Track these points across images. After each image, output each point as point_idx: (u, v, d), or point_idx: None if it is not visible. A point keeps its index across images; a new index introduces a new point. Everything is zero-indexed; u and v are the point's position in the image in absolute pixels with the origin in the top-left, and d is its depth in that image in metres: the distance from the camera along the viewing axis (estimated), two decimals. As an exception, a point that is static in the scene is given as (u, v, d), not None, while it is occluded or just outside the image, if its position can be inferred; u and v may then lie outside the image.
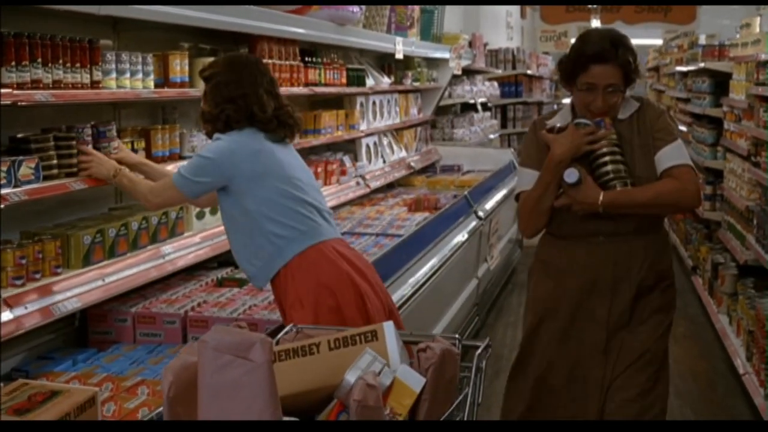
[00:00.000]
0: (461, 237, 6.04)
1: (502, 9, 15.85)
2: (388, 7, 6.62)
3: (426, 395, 2.17)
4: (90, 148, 3.40)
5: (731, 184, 6.88)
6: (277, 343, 2.46)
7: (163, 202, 3.42)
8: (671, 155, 3.21)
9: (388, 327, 2.30)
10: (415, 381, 2.17)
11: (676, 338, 6.69)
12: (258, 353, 1.94)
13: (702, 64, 8.40)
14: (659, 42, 17.40)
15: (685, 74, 9.87)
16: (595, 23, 17.73)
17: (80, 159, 3.34)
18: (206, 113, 3.40)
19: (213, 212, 4.18)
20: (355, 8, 5.44)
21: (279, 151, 3.37)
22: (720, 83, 7.85)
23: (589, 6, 17.34)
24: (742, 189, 6.48)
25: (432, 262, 5.27)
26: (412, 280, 4.83)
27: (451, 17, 10.59)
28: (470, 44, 9.93)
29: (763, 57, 5.97)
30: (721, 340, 6.33)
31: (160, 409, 2.62)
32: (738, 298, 6.13)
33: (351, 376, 2.10)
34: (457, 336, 2.41)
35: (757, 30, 6.96)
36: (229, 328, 2.14)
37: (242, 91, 3.31)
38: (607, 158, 3.21)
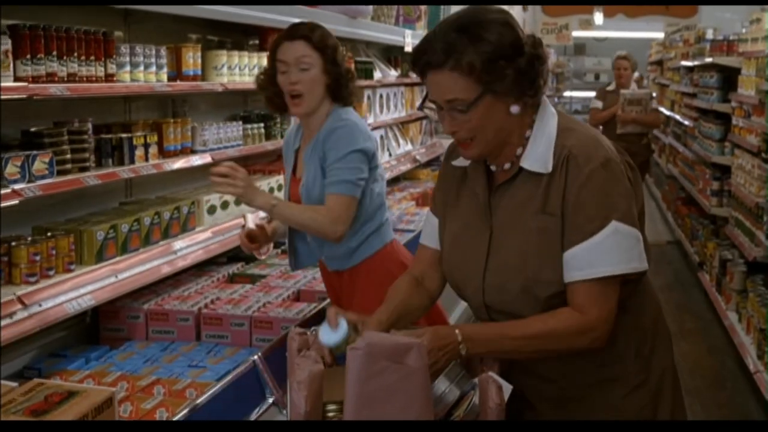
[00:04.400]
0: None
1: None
2: (397, -1, 6.57)
3: None
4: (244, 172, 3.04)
5: (740, 180, 6.83)
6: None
7: (348, 221, 3.15)
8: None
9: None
10: (506, 390, 2.10)
11: (683, 334, 6.67)
12: (415, 358, 1.93)
13: (710, 59, 8.33)
14: (660, 35, 17.34)
15: (691, 69, 9.81)
16: (598, 15, 17.66)
17: (231, 182, 2.99)
18: (340, 77, 3.24)
19: (224, 207, 4.13)
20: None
21: None
22: (728, 78, 7.80)
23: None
24: (751, 185, 6.43)
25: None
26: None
27: (456, 9, 10.52)
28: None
29: (775, 52, 5.93)
30: (729, 336, 6.29)
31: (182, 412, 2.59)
32: (748, 295, 6.08)
33: (443, 384, 2.05)
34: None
35: (767, 25, 6.90)
36: (380, 334, 2.09)
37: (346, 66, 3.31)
38: None
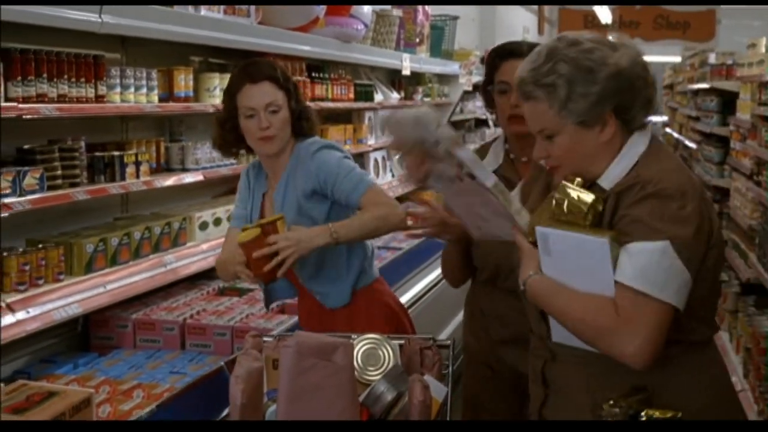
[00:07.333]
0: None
1: (519, 25, 15.96)
2: (397, 23, 6.73)
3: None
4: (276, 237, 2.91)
5: (736, 203, 6.93)
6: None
7: (392, 200, 3.18)
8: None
9: None
10: (439, 391, 2.26)
11: (678, 354, 6.73)
12: (341, 356, 2.10)
13: (709, 84, 8.46)
14: (678, 59, 17.43)
15: (695, 92, 9.93)
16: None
17: (287, 252, 2.87)
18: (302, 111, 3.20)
19: (217, 223, 4.29)
20: (360, 26, 5.55)
21: None
22: (727, 102, 7.92)
23: (606, 23, 17.37)
24: (745, 208, 6.53)
25: (432, 276, 5.39)
26: (411, 292, 4.93)
27: (467, 33, 10.66)
28: (482, 60, 10.02)
29: (766, 77, 6.04)
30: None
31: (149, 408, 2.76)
32: (738, 316, 6.17)
33: (382, 385, 2.20)
34: (431, 336, 2.52)
35: (763, 50, 7.02)
36: (310, 333, 2.27)
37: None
38: None
